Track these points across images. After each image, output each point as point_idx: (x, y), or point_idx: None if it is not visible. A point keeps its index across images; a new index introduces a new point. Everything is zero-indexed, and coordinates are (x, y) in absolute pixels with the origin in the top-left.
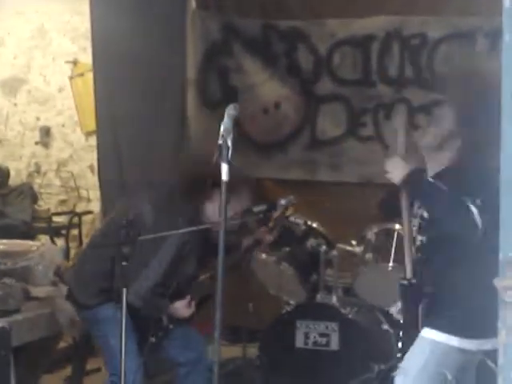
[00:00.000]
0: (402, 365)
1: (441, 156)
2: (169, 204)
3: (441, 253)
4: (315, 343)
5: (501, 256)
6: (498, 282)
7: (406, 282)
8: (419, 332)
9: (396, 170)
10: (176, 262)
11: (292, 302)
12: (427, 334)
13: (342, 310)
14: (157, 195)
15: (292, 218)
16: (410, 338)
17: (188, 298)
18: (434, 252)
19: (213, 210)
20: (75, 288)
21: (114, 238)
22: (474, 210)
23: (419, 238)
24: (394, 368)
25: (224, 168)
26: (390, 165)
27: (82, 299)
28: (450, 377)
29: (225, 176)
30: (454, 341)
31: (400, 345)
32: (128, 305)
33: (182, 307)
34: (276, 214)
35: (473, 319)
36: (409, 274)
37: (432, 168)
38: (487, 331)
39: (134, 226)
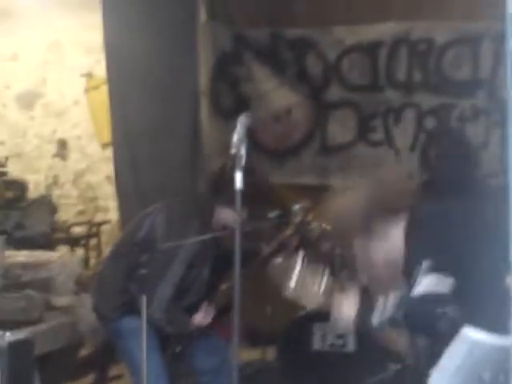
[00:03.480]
0: (441, 362)
1: None
2: (181, 218)
3: None
4: (332, 345)
5: (511, 255)
6: (511, 279)
7: None
8: None
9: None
10: (190, 272)
11: None
12: (467, 332)
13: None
14: (170, 210)
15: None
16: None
17: (204, 306)
18: None
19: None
20: (98, 302)
21: (129, 251)
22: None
23: None
24: (409, 368)
25: (238, 177)
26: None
27: (105, 312)
28: (486, 377)
29: (239, 184)
30: (492, 338)
31: None
32: (151, 321)
33: (200, 316)
34: (297, 219)
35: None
36: None
37: None
38: None
39: (147, 241)
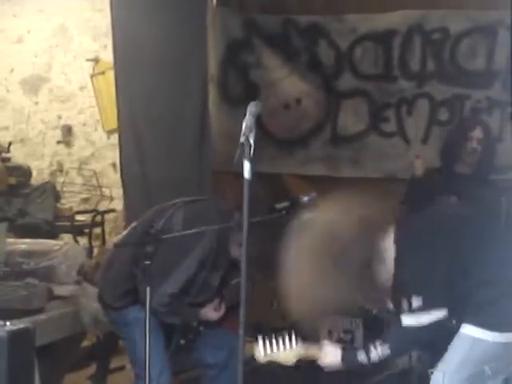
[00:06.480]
0: (441, 361)
1: None
2: (198, 220)
3: None
4: (339, 340)
5: None
6: None
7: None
8: None
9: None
10: (199, 274)
11: None
12: (466, 330)
13: (366, 306)
14: (189, 209)
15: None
16: None
17: (216, 301)
18: None
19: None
20: (103, 289)
21: (140, 241)
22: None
23: None
24: (415, 366)
25: (246, 166)
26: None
27: (109, 301)
28: (489, 372)
29: (247, 174)
30: (491, 336)
31: None
32: (153, 310)
33: (209, 311)
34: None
35: (507, 313)
36: None
37: None
38: None
39: (160, 235)
